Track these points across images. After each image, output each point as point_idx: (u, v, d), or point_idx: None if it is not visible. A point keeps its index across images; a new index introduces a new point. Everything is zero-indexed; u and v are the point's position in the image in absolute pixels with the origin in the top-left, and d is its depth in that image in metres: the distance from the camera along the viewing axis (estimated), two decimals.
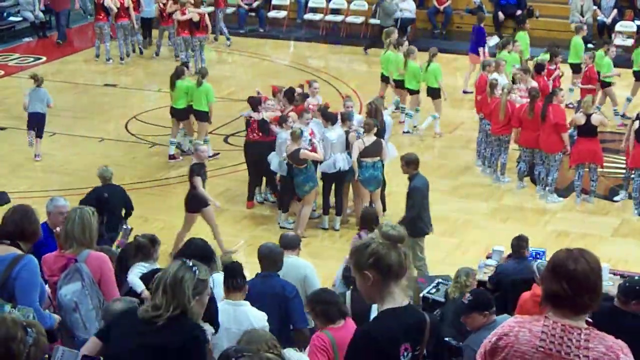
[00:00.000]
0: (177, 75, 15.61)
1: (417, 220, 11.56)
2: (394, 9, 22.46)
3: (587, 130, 14.05)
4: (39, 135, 15.86)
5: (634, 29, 22.18)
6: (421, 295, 10.29)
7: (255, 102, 13.95)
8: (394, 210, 13.83)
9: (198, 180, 12.23)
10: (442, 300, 10.11)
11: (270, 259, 8.14)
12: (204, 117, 15.42)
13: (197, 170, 12.32)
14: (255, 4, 24.62)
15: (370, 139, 12.98)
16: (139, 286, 7.63)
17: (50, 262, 6.53)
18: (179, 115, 15.70)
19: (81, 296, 6.30)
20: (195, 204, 12.33)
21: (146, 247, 8.18)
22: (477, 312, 7.65)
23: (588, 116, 14.01)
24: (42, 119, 15.84)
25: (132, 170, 15.34)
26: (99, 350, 4.85)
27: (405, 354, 4.06)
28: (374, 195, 13.31)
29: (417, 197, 11.63)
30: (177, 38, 21.31)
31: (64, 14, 23.08)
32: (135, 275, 7.82)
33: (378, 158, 13.07)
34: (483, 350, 3.74)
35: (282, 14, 24.79)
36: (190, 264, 4.71)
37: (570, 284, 3.56)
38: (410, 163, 11.73)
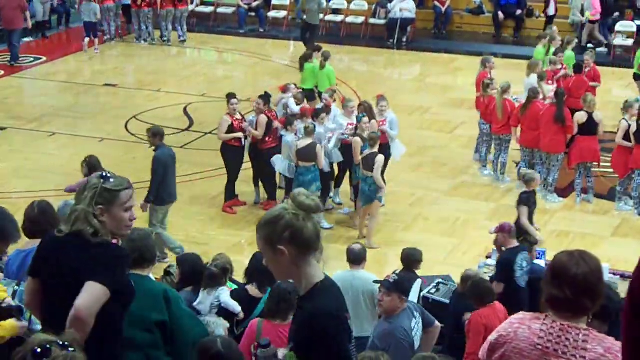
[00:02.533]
0: (306, 58, 16.66)
1: (160, 190, 12.02)
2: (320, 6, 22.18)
3: (589, 128, 14.08)
4: (95, 35, 21.97)
5: (634, 29, 22.19)
6: (421, 295, 10.28)
7: (228, 98, 13.98)
8: (394, 209, 13.87)
9: (523, 210, 11.71)
10: (443, 300, 10.10)
11: None
12: None
13: (525, 199, 11.84)
14: (255, 4, 24.64)
15: (369, 151, 12.74)
16: (236, 307, 7.76)
17: None
18: (310, 95, 16.43)
19: None
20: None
21: (218, 278, 8.08)
22: (399, 293, 7.35)
23: (590, 114, 14.06)
24: (95, 25, 22.03)
25: (132, 171, 15.31)
26: (37, 288, 4.64)
27: (349, 323, 3.89)
28: (364, 210, 12.99)
29: (159, 167, 12.00)
30: (161, 11, 23.16)
31: (16, 34, 21.37)
32: (228, 297, 7.81)
33: (370, 174, 12.61)
34: (486, 346, 3.77)
35: (282, 14, 24.81)
36: (105, 173, 4.57)
37: (572, 288, 3.58)
38: (155, 135, 12.20)
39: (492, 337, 3.78)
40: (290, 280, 3.92)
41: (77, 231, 4.47)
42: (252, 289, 7.21)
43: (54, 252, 4.56)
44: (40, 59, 22.08)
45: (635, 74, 18.12)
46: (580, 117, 14.20)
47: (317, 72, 16.47)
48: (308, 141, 12.83)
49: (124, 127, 17.46)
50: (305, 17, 22.05)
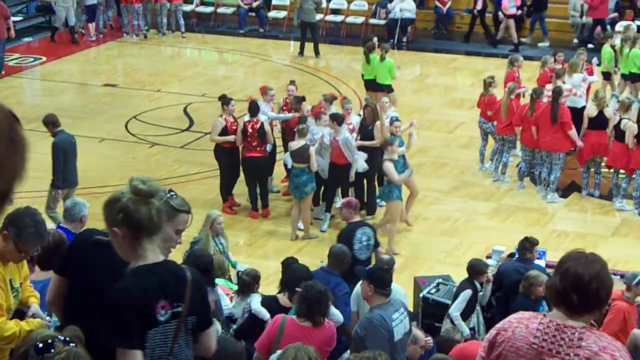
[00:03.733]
0: (369, 49, 17.17)
1: (53, 175, 12.64)
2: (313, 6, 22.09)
3: (599, 122, 14.12)
4: (92, 21, 23.12)
5: (634, 28, 22.16)
6: (421, 295, 10.29)
7: (225, 101, 13.97)
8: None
9: None
10: (443, 300, 10.11)
11: (337, 258, 8.82)
12: (388, 89, 16.67)
13: None
14: (255, 4, 24.63)
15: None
16: (266, 314, 7.97)
17: None
18: (372, 86, 17.21)
19: None
20: None
21: (250, 285, 8.62)
22: (369, 281, 7.30)
23: (600, 110, 14.11)
24: (95, 7, 23.08)
25: (132, 170, 15.33)
26: (62, 286, 4.53)
27: (163, 312, 3.90)
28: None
29: (58, 153, 12.69)
30: (155, 4, 23.49)
31: (0, 43, 20.57)
32: (258, 304, 8.11)
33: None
34: (485, 344, 3.80)
35: (282, 14, 24.80)
36: (168, 189, 4.47)
37: (561, 279, 3.62)
38: (47, 124, 12.86)
39: (490, 335, 3.80)
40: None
41: None
42: (283, 298, 7.47)
43: (96, 256, 4.40)
44: (41, 58, 22.08)
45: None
46: (591, 111, 14.27)
47: (377, 64, 16.91)
48: (301, 143, 12.83)
49: (124, 127, 17.47)
50: (301, 16, 22.00)
